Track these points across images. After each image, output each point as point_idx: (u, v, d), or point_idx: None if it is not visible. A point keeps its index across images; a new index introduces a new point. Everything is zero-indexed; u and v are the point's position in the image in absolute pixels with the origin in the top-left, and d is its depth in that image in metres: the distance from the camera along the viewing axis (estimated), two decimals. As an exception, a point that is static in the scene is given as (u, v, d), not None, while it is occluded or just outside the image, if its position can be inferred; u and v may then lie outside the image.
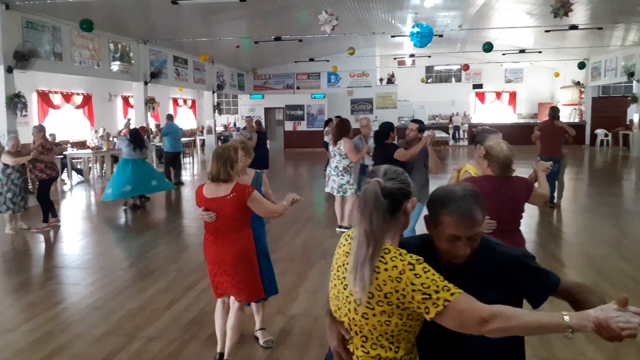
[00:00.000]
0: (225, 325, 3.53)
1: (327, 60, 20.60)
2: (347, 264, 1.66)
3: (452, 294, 1.50)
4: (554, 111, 8.71)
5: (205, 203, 3.27)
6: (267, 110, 22.43)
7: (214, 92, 19.74)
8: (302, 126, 22.20)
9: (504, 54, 19.32)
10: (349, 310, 1.65)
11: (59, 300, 4.90)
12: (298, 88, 23.33)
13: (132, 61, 14.01)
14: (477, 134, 3.64)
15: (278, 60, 21.66)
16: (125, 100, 19.20)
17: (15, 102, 9.54)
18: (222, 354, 3.52)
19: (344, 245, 1.76)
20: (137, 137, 9.29)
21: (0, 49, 9.32)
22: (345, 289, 1.66)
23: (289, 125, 22.41)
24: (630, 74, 17.24)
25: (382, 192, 1.60)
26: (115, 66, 13.22)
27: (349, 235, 1.77)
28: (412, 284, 1.52)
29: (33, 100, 14.11)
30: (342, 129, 6.93)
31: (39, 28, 10.34)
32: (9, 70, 9.47)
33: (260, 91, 23.26)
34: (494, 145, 3.16)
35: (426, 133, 5.34)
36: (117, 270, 5.86)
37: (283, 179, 14.17)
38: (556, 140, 8.44)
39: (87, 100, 16.84)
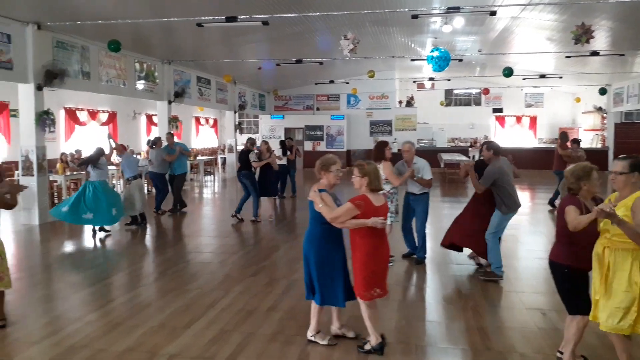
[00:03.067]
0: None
1: (347, 83, 20.82)
2: None
3: None
4: (563, 136, 11.97)
5: (377, 211, 3.84)
6: (287, 131, 22.65)
7: (235, 112, 20.03)
8: (322, 146, 22.36)
9: (524, 79, 19.28)
10: None
11: (81, 316, 4.97)
12: (318, 109, 23.56)
13: (157, 81, 14.35)
14: None
15: (299, 81, 21.93)
16: (149, 118, 19.59)
17: (44, 118, 9.81)
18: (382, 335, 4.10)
19: None
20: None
21: (31, 68, 9.64)
22: None
23: (308, 146, 22.58)
24: (654, 101, 17.05)
25: None
26: (140, 85, 13.54)
27: None
28: None
29: (60, 117, 14.50)
30: (379, 151, 6.43)
31: (68, 48, 10.69)
32: (39, 88, 9.77)
33: (280, 111, 23.57)
34: None
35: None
36: (137, 287, 5.93)
37: (303, 199, 14.21)
38: (561, 158, 11.18)
39: (112, 118, 17.24)
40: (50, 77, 9.83)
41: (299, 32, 13.43)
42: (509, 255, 7.38)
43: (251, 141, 10.51)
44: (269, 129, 22.39)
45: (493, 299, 5.41)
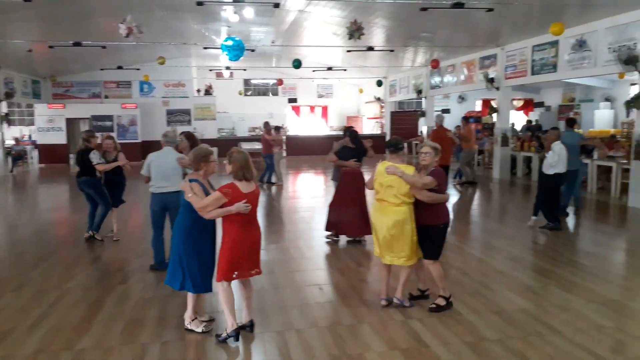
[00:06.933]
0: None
1: (138, 69, 19.45)
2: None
3: None
4: (267, 125, 13.68)
5: (245, 197, 3.90)
6: (70, 121, 20.28)
7: (1, 101, 17.15)
8: (113, 138, 20.55)
9: (313, 71, 20.49)
10: None
11: None
12: (106, 97, 21.61)
13: None
14: None
15: (81, 67, 19.80)
16: None
17: None
18: (244, 325, 4.17)
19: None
20: None
21: None
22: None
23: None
24: (419, 92, 19.74)
25: None
26: None
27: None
28: None
29: None
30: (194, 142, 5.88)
31: None
32: None
33: (61, 100, 20.91)
34: None
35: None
36: None
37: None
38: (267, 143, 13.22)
39: None
40: None
41: (76, 13, 12.07)
42: (297, 237, 7.78)
43: (88, 135, 7.43)
44: (47, 120, 19.79)
45: (277, 279, 5.59)
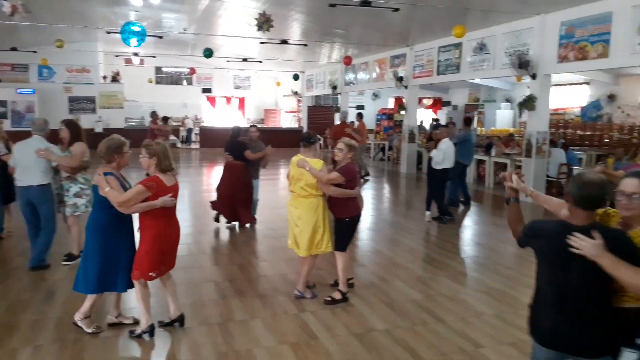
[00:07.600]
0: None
1: (35, 52, 17.96)
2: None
3: None
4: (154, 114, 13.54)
5: (169, 190, 3.80)
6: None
7: None
8: (6, 125, 18.86)
9: (228, 61, 20.04)
10: None
11: None
12: (0, 81, 19.81)
13: None
14: None
15: (-33, 47, 17.99)
16: None
17: None
18: (174, 320, 4.11)
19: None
20: None
21: None
22: None
23: (-12, 125, 18.78)
24: (334, 87, 19.97)
25: None
26: None
27: None
28: None
29: None
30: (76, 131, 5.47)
31: None
32: None
33: (-56, 82, 18.91)
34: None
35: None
36: None
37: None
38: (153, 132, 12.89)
39: None
40: None
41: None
42: (199, 232, 7.57)
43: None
44: None
45: (179, 277, 5.37)
